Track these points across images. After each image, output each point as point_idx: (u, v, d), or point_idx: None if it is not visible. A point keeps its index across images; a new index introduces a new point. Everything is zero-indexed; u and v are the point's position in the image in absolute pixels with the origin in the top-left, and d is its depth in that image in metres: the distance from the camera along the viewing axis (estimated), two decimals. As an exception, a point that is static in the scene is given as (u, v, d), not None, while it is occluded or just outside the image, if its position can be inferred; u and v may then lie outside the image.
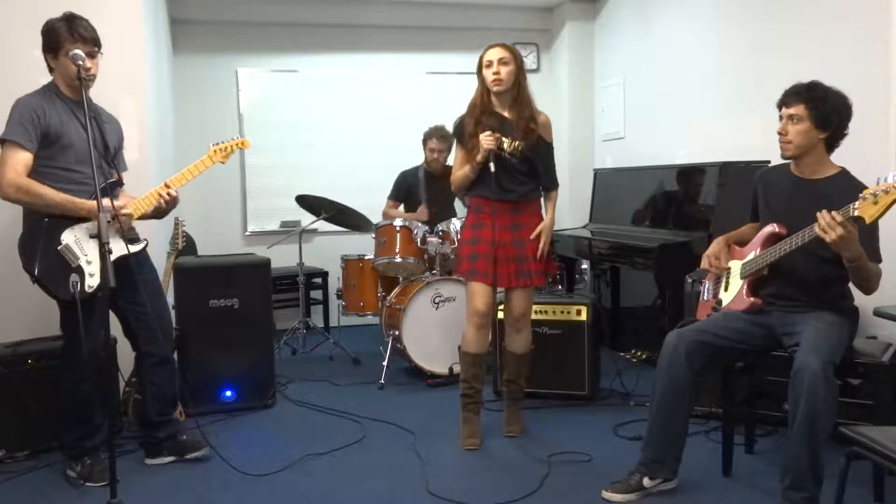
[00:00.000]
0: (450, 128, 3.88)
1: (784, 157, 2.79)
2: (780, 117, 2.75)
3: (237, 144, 3.28)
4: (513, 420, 3.55)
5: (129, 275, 2.91)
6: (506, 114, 3.33)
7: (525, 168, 3.34)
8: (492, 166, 3.25)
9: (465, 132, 3.38)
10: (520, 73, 3.32)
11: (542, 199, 3.52)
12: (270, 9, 6.06)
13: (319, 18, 6.19)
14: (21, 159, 2.80)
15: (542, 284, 3.53)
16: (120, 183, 3.10)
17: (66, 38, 2.83)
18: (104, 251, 2.48)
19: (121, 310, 3.10)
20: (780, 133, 2.74)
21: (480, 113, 3.33)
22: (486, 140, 3.23)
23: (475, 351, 3.37)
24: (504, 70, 3.26)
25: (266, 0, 6.03)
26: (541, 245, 3.39)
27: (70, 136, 2.88)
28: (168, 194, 3.04)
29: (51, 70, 2.93)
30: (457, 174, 3.44)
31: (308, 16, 6.17)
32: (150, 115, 3.98)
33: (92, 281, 2.85)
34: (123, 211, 2.92)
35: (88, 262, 2.86)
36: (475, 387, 3.39)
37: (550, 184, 3.51)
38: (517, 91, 3.32)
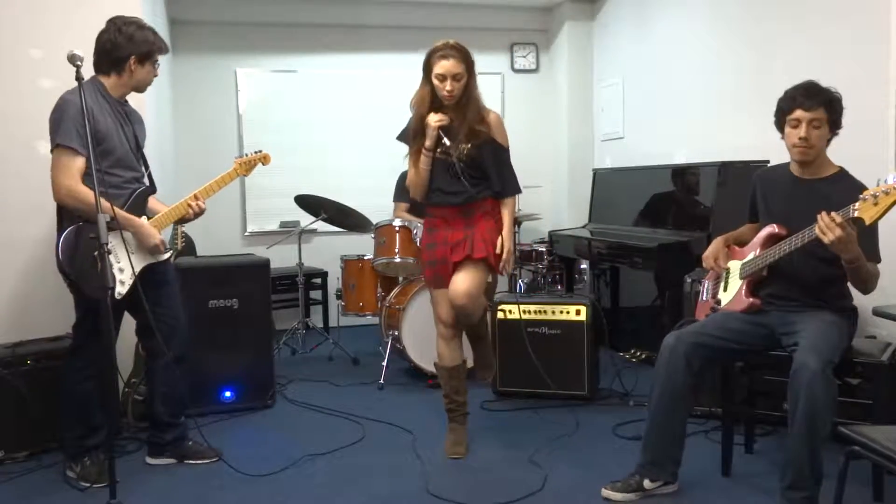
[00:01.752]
0: None
1: (802, 162, 2.74)
2: (793, 120, 2.68)
3: (260, 159, 3.34)
4: (484, 364, 3.53)
5: (153, 279, 2.97)
6: (452, 115, 3.13)
7: (474, 171, 3.14)
8: (446, 141, 3.06)
9: (409, 132, 3.22)
10: (471, 78, 3.10)
11: (493, 200, 3.22)
12: (269, 9, 6.06)
13: (318, 19, 6.20)
14: (77, 165, 2.81)
15: (483, 256, 3.15)
16: (152, 190, 3.13)
17: (159, 48, 2.98)
18: (103, 252, 2.50)
19: (139, 311, 3.11)
20: (802, 139, 2.66)
21: (428, 112, 3.13)
22: (434, 120, 3.06)
23: (450, 364, 3.28)
24: (457, 86, 3.06)
25: (265, 0, 6.04)
26: (504, 254, 3.17)
27: (112, 140, 2.90)
28: (197, 206, 3.10)
29: (108, 70, 2.93)
30: (410, 177, 3.23)
31: (307, 16, 6.17)
32: (149, 116, 3.97)
33: (122, 288, 2.89)
34: (147, 234, 2.98)
35: (121, 270, 2.89)
36: (456, 400, 3.33)
37: (504, 189, 3.21)
38: (464, 95, 3.11)
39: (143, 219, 3.00)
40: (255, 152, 3.34)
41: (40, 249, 3.48)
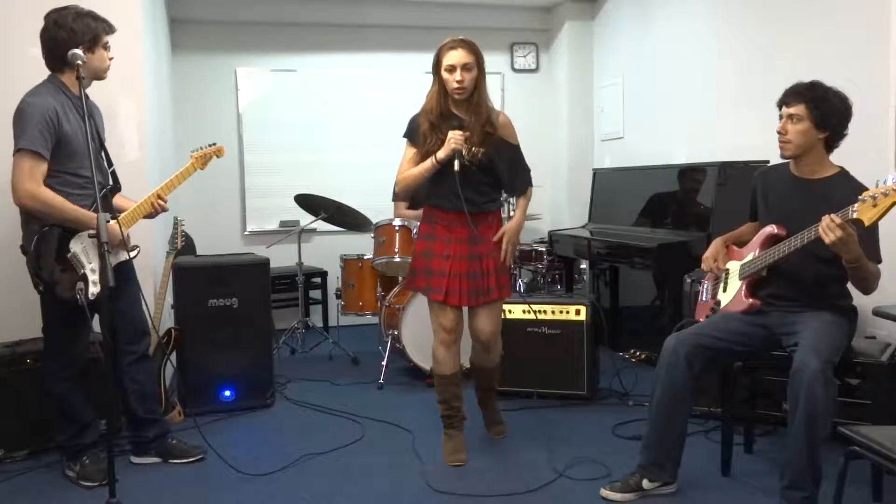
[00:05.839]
0: None
1: (783, 157, 2.80)
2: (780, 116, 2.75)
3: (214, 152, 3.29)
4: (495, 420, 3.50)
5: (118, 278, 2.93)
6: (463, 116, 3.06)
7: (486, 178, 3.10)
8: (455, 164, 2.95)
9: (417, 131, 3.10)
10: (480, 75, 3.03)
11: (500, 212, 3.26)
12: (269, 9, 6.06)
13: (318, 18, 6.20)
14: (39, 168, 2.78)
15: (507, 297, 3.24)
16: (118, 188, 3.12)
17: (104, 29, 2.90)
18: (103, 251, 2.49)
19: (106, 309, 3.10)
20: (779, 132, 2.74)
21: (438, 116, 3.06)
22: (455, 138, 2.94)
23: (449, 372, 3.19)
24: (468, 77, 2.97)
25: (265, 0, 6.04)
26: (502, 250, 3.12)
27: (78, 142, 2.86)
28: (159, 204, 3.09)
29: (62, 66, 2.87)
30: (406, 173, 3.11)
31: (307, 16, 6.17)
32: (149, 115, 3.98)
33: (94, 289, 2.88)
34: (113, 233, 2.93)
35: (93, 271, 2.89)
36: (454, 406, 3.23)
37: (516, 187, 3.20)
38: (475, 93, 3.03)
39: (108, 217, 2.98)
40: (210, 145, 3.29)
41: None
